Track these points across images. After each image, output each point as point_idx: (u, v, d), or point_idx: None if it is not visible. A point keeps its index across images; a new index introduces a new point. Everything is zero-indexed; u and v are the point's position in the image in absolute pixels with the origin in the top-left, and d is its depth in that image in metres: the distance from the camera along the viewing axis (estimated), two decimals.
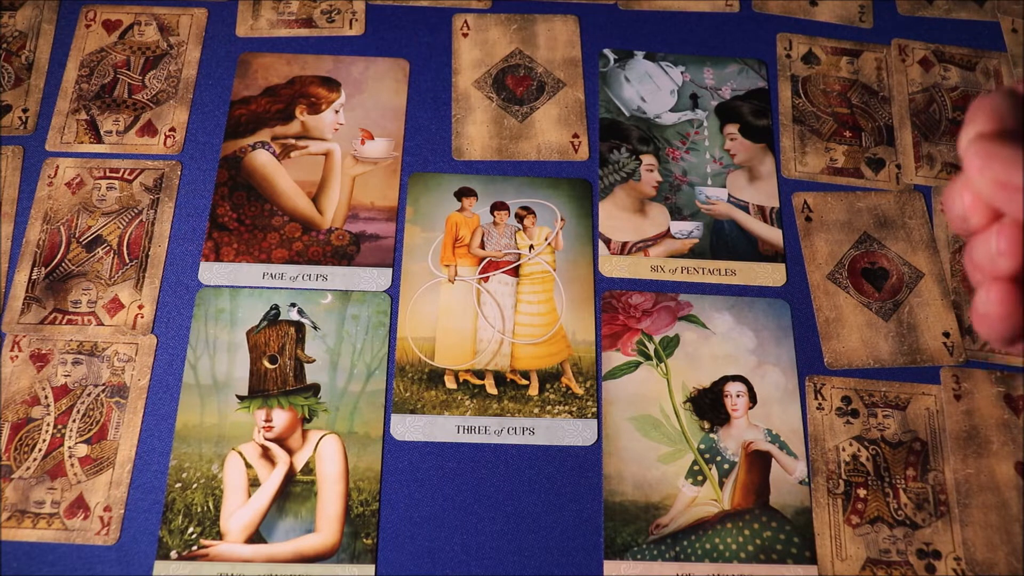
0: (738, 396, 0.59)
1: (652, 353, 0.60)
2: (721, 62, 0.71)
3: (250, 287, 0.60)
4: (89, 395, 0.57)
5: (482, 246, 0.63)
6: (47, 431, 0.56)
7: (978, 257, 0.31)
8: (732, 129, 0.68)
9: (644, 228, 0.64)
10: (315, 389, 0.58)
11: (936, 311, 0.62)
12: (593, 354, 0.60)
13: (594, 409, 0.58)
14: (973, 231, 0.31)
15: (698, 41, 0.72)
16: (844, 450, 0.57)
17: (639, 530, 0.54)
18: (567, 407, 0.58)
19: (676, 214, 0.65)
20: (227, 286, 0.60)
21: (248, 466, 0.55)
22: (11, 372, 0.57)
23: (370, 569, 0.53)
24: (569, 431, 0.57)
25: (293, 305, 0.60)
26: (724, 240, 0.64)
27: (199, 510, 0.54)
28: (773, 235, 0.64)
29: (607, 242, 0.63)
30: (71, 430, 0.56)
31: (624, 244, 0.63)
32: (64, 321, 0.59)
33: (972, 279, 0.32)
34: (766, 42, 0.72)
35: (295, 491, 0.55)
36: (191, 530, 0.53)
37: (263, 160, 0.65)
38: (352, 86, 0.68)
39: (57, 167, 0.64)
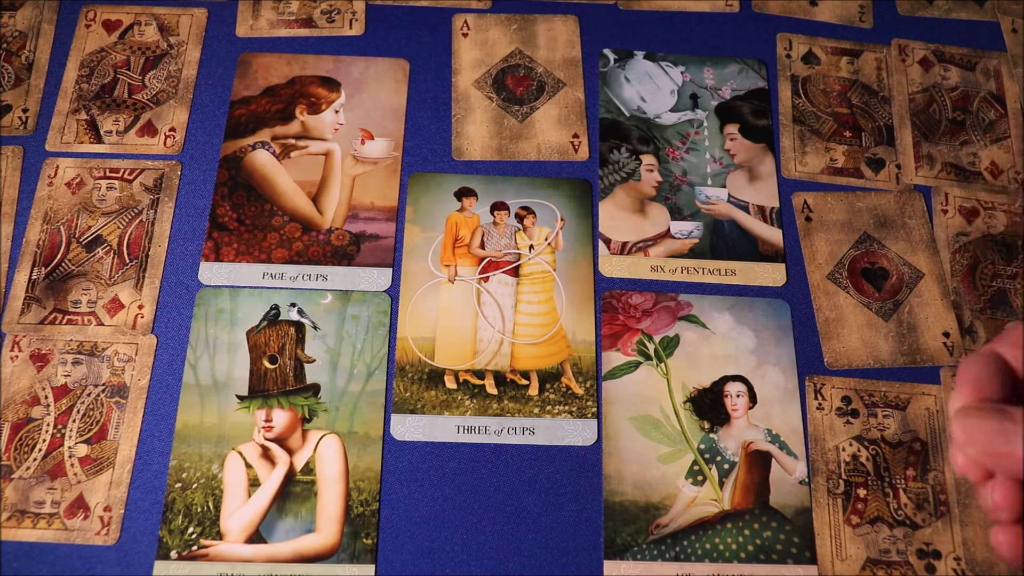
0: (738, 396, 0.59)
1: (652, 353, 0.60)
2: (721, 62, 0.71)
3: (250, 287, 0.60)
4: (89, 395, 0.57)
5: (482, 246, 0.63)
6: (47, 431, 0.56)
7: (983, 506, 0.35)
8: (732, 129, 0.68)
9: (644, 228, 0.64)
10: (315, 389, 0.58)
11: (936, 311, 0.62)
12: (593, 354, 0.60)
13: (594, 409, 0.58)
14: (975, 483, 0.35)
15: (698, 41, 0.72)
16: (844, 450, 0.57)
17: (639, 530, 0.54)
18: (567, 407, 0.58)
19: (676, 214, 0.65)
20: (227, 286, 0.60)
21: (248, 466, 0.55)
22: (11, 372, 0.57)
23: (370, 569, 0.53)
24: (569, 431, 0.57)
25: (293, 305, 0.60)
26: (724, 240, 0.64)
27: (199, 510, 0.54)
28: (773, 235, 0.64)
29: (607, 242, 0.63)
30: (71, 430, 0.56)
31: (624, 244, 0.63)
32: (64, 321, 0.59)
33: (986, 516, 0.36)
34: (766, 42, 0.72)
35: (295, 491, 0.55)
36: (191, 530, 0.53)
37: (263, 160, 0.65)
38: (352, 86, 0.68)
39: (57, 167, 0.64)
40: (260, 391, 0.57)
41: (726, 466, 0.57)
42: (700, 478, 0.56)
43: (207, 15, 0.70)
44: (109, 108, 0.66)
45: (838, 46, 0.72)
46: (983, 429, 0.33)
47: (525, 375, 0.59)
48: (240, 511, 0.54)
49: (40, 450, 0.55)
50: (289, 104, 0.67)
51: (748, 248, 0.64)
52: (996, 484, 0.34)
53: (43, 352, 0.58)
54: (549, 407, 0.58)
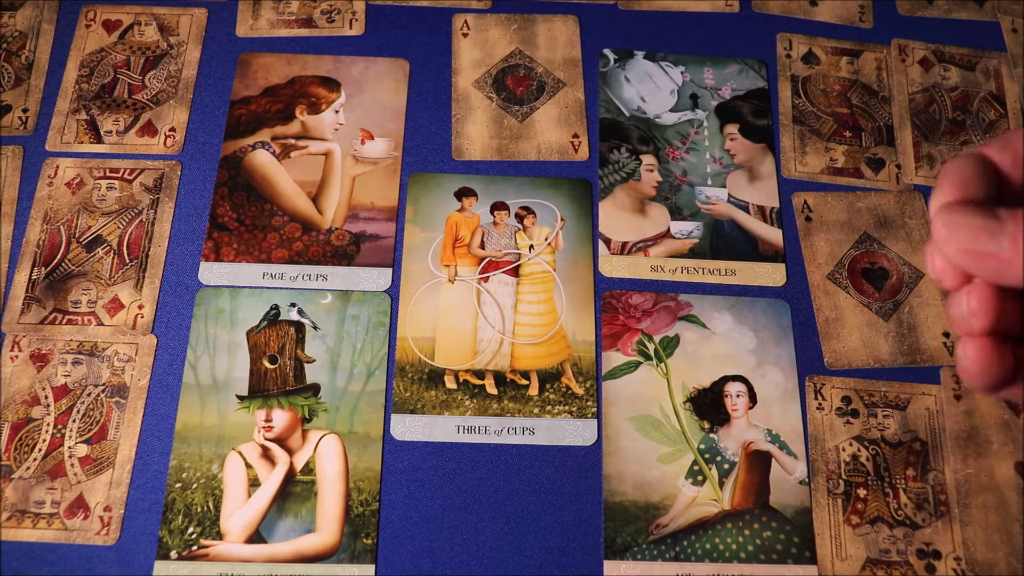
0: (738, 396, 0.59)
1: (652, 353, 0.60)
2: (721, 62, 0.71)
3: (250, 287, 0.60)
4: (89, 395, 0.57)
5: (482, 246, 0.63)
6: (47, 431, 0.56)
7: (954, 315, 0.32)
8: (732, 129, 0.68)
9: (644, 228, 0.64)
10: (315, 389, 0.58)
11: (936, 311, 0.62)
12: (593, 354, 0.60)
13: (594, 409, 0.58)
14: (948, 290, 0.33)
15: (698, 41, 0.72)
16: (844, 450, 0.57)
17: (639, 530, 0.54)
18: (567, 407, 0.58)
19: (676, 214, 0.65)
20: (227, 286, 0.60)
21: (248, 466, 0.55)
22: (11, 372, 0.57)
23: (370, 569, 0.53)
24: (569, 431, 0.57)
25: (293, 305, 0.60)
26: (724, 240, 0.64)
27: (199, 510, 0.54)
28: (773, 235, 0.64)
29: (607, 242, 0.63)
30: (71, 430, 0.56)
31: (624, 244, 0.63)
32: (64, 321, 0.59)
33: (953, 331, 0.34)
34: (766, 42, 0.72)
35: (295, 491, 0.55)
36: (191, 530, 0.53)
37: (263, 160, 0.65)
38: (352, 86, 0.68)
39: (57, 167, 0.64)
40: (260, 391, 0.57)
41: (726, 466, 0.57)
42: (700, 478, 0.56)
43: (207, 15, 0.70)
44: (109, 108, 0.66)
45: (838, 46, 0.72)
46: (967, 225, 0.30)
47: (525, 375, 0.59)
48: (240, 511, 0.54)
49: (40, 450, 0.55)
50: (289, 104, 0.67)
51: (748, 248, 0.64)
52: (972, 288, 0.32)
53: (43, 352, 0.58)
54: (549, 407, 0.58)
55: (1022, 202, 0.32)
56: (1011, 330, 0.32)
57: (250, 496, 0.54)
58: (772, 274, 0.63)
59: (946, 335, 0.61)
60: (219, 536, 0.53)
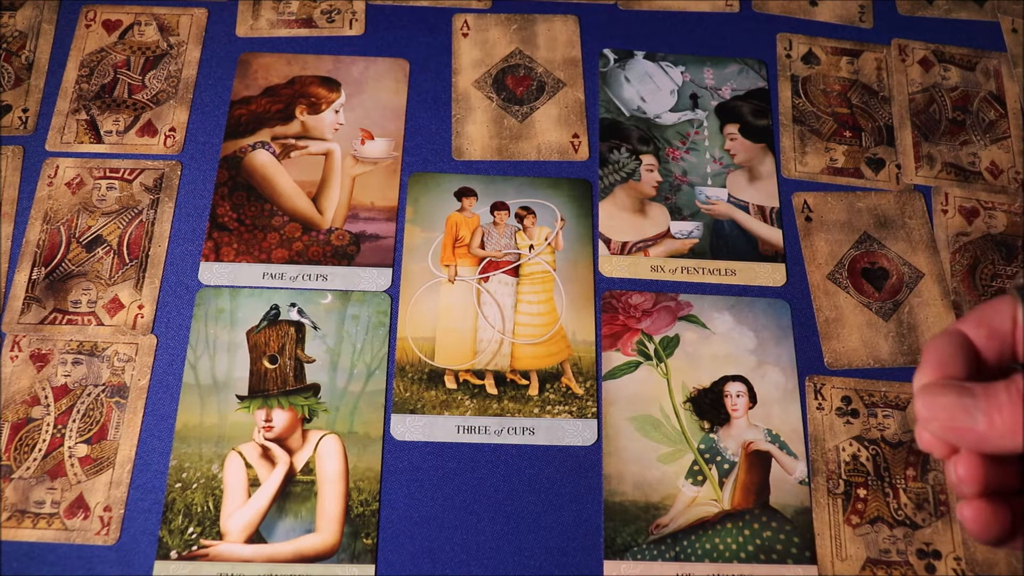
0: (738, 396, 0.59)
1: (652, 353, 0.60)
2: (721, 62, 0.71)
3: (250, 287, 0.60)
4: (89, 395, 0.57)
5: (482, 246, 0.63)
6: (47, 431, 0.56)
7: (948, 481, 0.36)
8: (732, 129, 0.68)
9: (644, 228, 0.64)
10: (315, 389, 0.58)
11: (936, 311, 0.62)
12: (593, 354, 0.60)
13: (594, 409, 0.58)
14: (940, 459, 0.37)
15: (698, 41, 0.72)
16: (844, 450, 0.57)
17: (639, 530, 0.54)
18: (567, 407, 0.58)
19: (676, 214, 0.65)
20: (227, 286, 0.60)
21: (248, 466, 0.55)
22: (11, 372, 0.57)
23: (370, 569, 0.53)
24: (569, 431, 0.57)
25: (293, 305, 0.60)
26: (724, 240, 0.64)
27: (199, 510, 0.54)
28: (773, 235, 0.64)
29: (607, 242, 0.63)
30: (71, 430, 0.56)
31: (624, 244, 0.63)
32: (64, 321, 0.59)
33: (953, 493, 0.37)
34: (766, 42, 0.72)
35: (295, 491, 0.55)
36: (191, 530, 0.53)
37: (263, 160, 0.65)
38: (352, 86, 0.68)
39: (57, 167, 0.64)
40: (260, 391, 0.57)
41: (726, 466, 0.57)
42: (700, 478, 0.56)
43: (207, 15, 0.70)
44: (109, 108, 0.66)
45: (838, 46, 0.72)
46: (944, 405, 0.33)
47: (525, 375, 0.59)
48: (240, 511, 0.54)
49: (40, 450, 0.55)
50: (289, 104, 0.67)
51: (748, 248, 0.64)
52: (959, 459, 0.34)
53: (43, 352, 0.58)
54: (549, 407, 0.58)
55: (997, 373, 0.35)
56: (1008, 488, 0.34)
57: (250, 496, 0.54)
58: (772, 274, 0.63)
59: None
60: (219, 536, 0.53)
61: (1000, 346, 0.36)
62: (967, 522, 0.35)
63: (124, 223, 0.62)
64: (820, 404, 0.59)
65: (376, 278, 0.61)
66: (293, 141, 0.66)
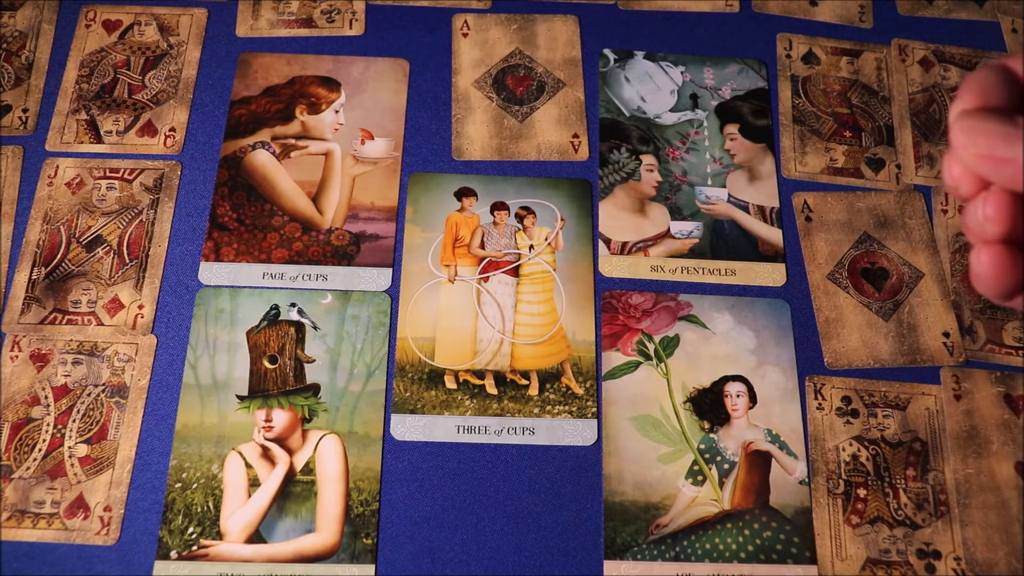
0: (738, 396, 0.59)
1: (652, 353, 0.60)
2: (721, 62, 0.71)
3: (250, 287, 0.60)
4: (89, 395, 0.57)
5: (482, 246, 0.63)
6: (47, 431, 0.56)
7: (970, 222, 0.33)
8: (732, 129, 0.68)
9: (644, 228, 0.64)
10: (315, 389, 0.58)
11: (936, 311, 0.62)
12: (593, 354, 0.60)
13: (594, 409, 0.58)
14: (965, 198, 0.33)
15: (698, 41, 0.72)
16: (844, 450, 0.57)
17: (639, 530, 0.54)
18: (567, 407, 0.58)
19: (676, 214, 0.65)
20: (227, 286, 0.60)
21: (248, 466, 0.55)
22: (11, 372, 0.57)
23: (370, 569, 0.53)
24: (569, 431, 0.57)
25: (293, 305, 0.60)
26: (724, 240, 0.64)
27: (199, 510, 0.54)
28: (773, 235, 0.64)
29: (607, 242, 0.63)
30: (71, 430, 0.56)
31: (624, 244, 0.63)
32: (64, 321, 0.59)
33: (969, 239, 0.34)
34: (766, 42, 0.72)
35: (295, 491, 0.55)
36: (191, 530, 0.53)
37: (263, 160, 0.65)
38: (352, 86, 0.68)
39: (57, 167, 0.64)
40: (260, 391, 0.57)
41: (726, 466, 0.57)
42: (700, 478, 0.56)
43: (207, 15, 0.70)
44: (109, 108, 0.66)
45: (838, 46, 0.72)
46: (986, 131, 0.31)
47: (525, 375, 0.59)
48: (240, 511, 0.54)
49: (40, 450, 0.55)
50: (289, 104, 0.67)
51: (748, 248, 0.64)
52: (989, 195, 0.32)
53: (43, 352, 0.58)
54: (549, 407, 0.58)
55: None
56: None
57: (250, 496, 0.54)
58: (772, 274, 0.63)
59: (946, 335, 0.61)
60: (219, 536, 0.53)
61: None
62: (984, 267, 0.32)
63: (124, 223, 0.62)
64: (820, 404, 0.59)
65: (376, 278, 0.61)
66: (293, 141, 0.66)
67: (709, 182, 0.66)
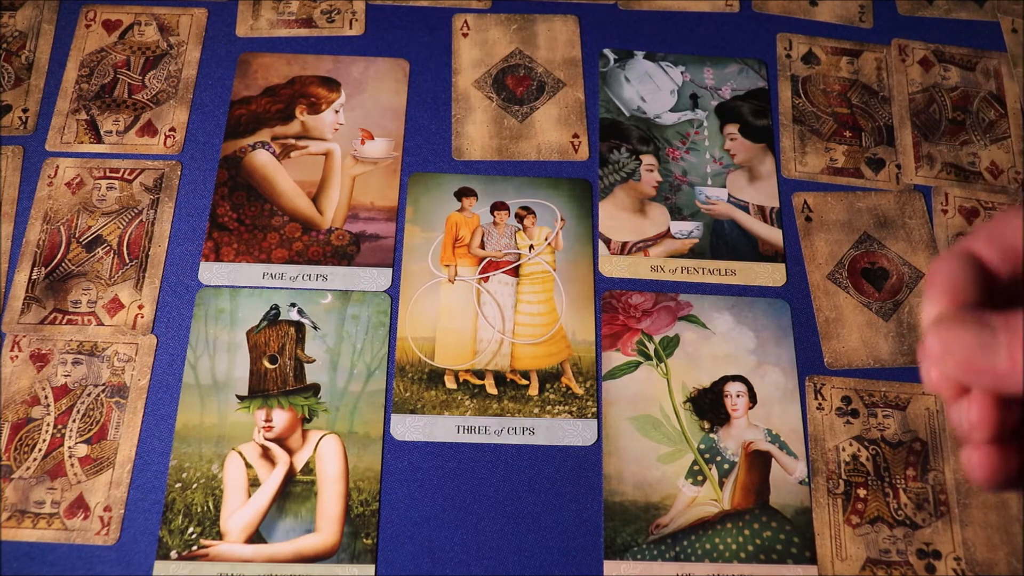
0: (738, 396, 0.59)
1: (652, 353, 0.60)
2: (721, 62, 0.71)
3: (250, 287, 0.60)
4: (89, 395, 0.57)
5: (482, 246, 0.63)
6: (47, 431, 0.56)
7: (955, 424, 0.32)
8: (732, 129, 0.68)
9: (644, 228, 0.64)
10: (315, 389, 0.58)
11: None
12: (593, 354, 0.60)
13: (594, 409, 0.58)
14: (947, 401, 0.33)
15: (698, 41, 0.72)
16: (844, 450, 0.57)
17: (639, 530, 0.54)
18: (567, 407, 0.58)
19: (676, 214, 0.65)
20: (227, 286, 0.60)
21: (248, 466, 0.55)
22: (11, 372, 0.57)
23: (370, 569, 0.53)
24: (569, 431, 0.57)
25: (293, 305, 0.60)
26: (724, 240, 0.64)
27: (199, 510, 0.54)
28: (773, 235, 0.64)
29: (607, 242, 0.63)
30: (71, 430, 0.56)
31: (624, 244, 0.63)
32: (64, 321, 0.59)
33: (958, 436, 0.33)
34: (766, 42, 0.72)
35: (295, 491, 0.55)
36: (191, 530, 0.53)
37: (263, 160, 0.65)
38: (352, 86, 0.68)
39: (57, 167, 0.64)
40: (260, 391, 0.57)
41: (726, 466, 0.57)
42: (700, 478, 0.56)
43: (207, 15, 0.70)
44: (109, 108, 0.66)
45: (838, 46, 0.72)
46: (962, 342, 0.30)
47: (525, 375, 0.59)
48: (240, 511, 0.54)
49: (40, 450, 0.55)
50: (289, 104, 0.67)
51: (748, 248, 0.64)
52: (972, 401, 0.31)
53: (43, 352, 0.58)
54: (549, 407, 0.58)
55: (1011, 290, 0.32)
56: (1014, 430, 0.32)
57: (250, 496, 0.54)
58: (772, 274, 0.63)
59: None
60: (219, 536, 0.53)
61: (1014, 264, 0.32)
62: (976, 469, 0.32)
63: (124, 223, 0.62)
64: (820, 404, 0.59)
65: (376, 278, 0.61)
66: (293, 141, 0.66)
67: (709, 182, 0.66)
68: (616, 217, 0.64)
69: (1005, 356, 0.29)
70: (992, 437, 0.31)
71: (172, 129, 0.66)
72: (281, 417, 0.57)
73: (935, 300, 0.32)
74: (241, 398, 0.57)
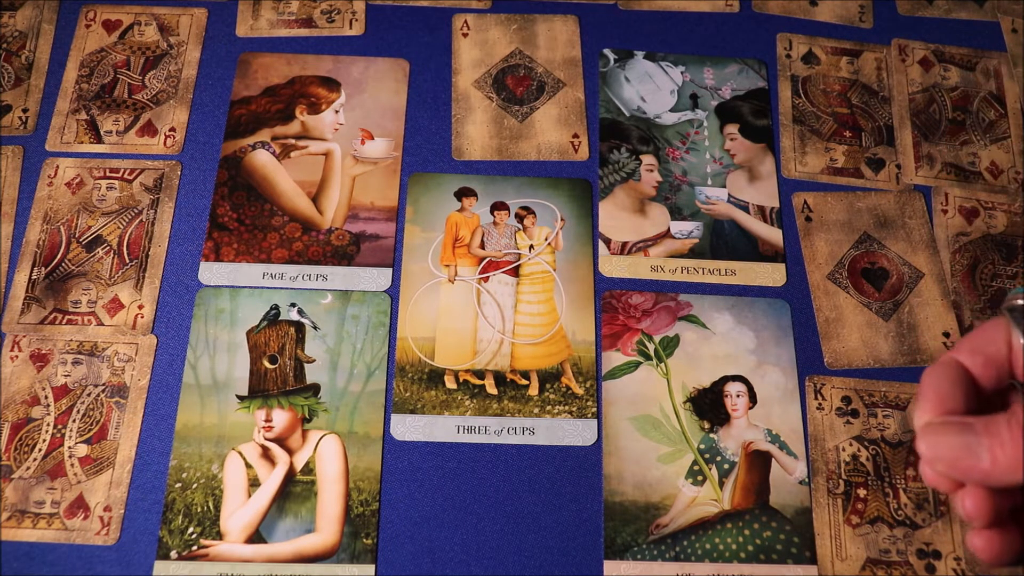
0: (738, 396, 0.59)
1: (652, 353, 0.60)
2: (721, 62, 0.71)
3: (250, 287, 0.60)
4: (89, 395, 0.57)
5: (482, 246, 0.63)
6: (47, 431, 0.56)
7: (957, 511, 0.36)
8: (732, 129, 0.68)
9: (644, 228, 0.64)
10: (315, 389, 0.58)
11: (936, 311, 0.62)
12: (593, 354, 0.60)
13: (594, 409, 0.58)
14: (945, 493, 0.38)
15: (698, 41, 0.72)
16: (844, 450, 0.57)
17: (639, 530, 0.54)
18: (567, 407, 0.58)
19: (676, 214, 0.65)
20: (227, 286, 0.60)
21: (248, 466, 0.55)
22: (11, 372, 0.57)
23: (370, 569, 0.53)
24: (569, 431, 0.57)
25: (293, 305, 0.60)
26: (724, 240, 0.64)
27: (199, 510, 0.54)
28: (773, 235, 0.64)
29: (607, 242, 0.63)
30: (71, 430, 0.56)
31: (624, 244, 0.63)
32: (64, 321, 0.59)
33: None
34: (766, 42, 0.72)
35: (295, 491, 0.55)
36: (191, 530, 0.53)
37: (263, 160, 0.65)
38: (352, 86, 0.68)
39: (57, 167, 0.64)
40: (260, 391, 0.57)
41: (726, 466, 0.57)
42: (700, 478, 0.56)
43: (207, 15, 0.70)
44: (109, 108, 0.66)
45: (838, 46, 0.72)
46: (948, 445, 0.34)
47: (525, 375, 0.59)
48: (240, 511, 0.54)
49: (40, 450, 0.55)
50: (289, 104, 0.67)
51: (748, 248, 0.64)
52: (966, 494, 0.35)
53: (43, 352, 0.58)
54: (549, 407, 0.58)
55: (996, 396, 0.36)
56: (1012, 513, 0.35)
57: (250, 496, 0.54)
58: (772, 274, 0.63)
59: (946, 335, 0.61)
60: (219, 536, 0.53)
61: (997, 372, 0.36)
62: (978, 552, 0.35)
63: (124, 223, 0.62)
64: (820, 404, 0.59)
65: (376, 278, 0.61)
66: (293, 141, 0.66)
67: (709, 182, 0.66)
68: (616, 217, 0.64)
69: (987, 456, 0.33)
70: (989, 523, 0.35)
71: (172, 129, 0.66)
72: (281, 417, 0.57)
73: (924, 409, 0.36)
74: (241, 398, 0.57)
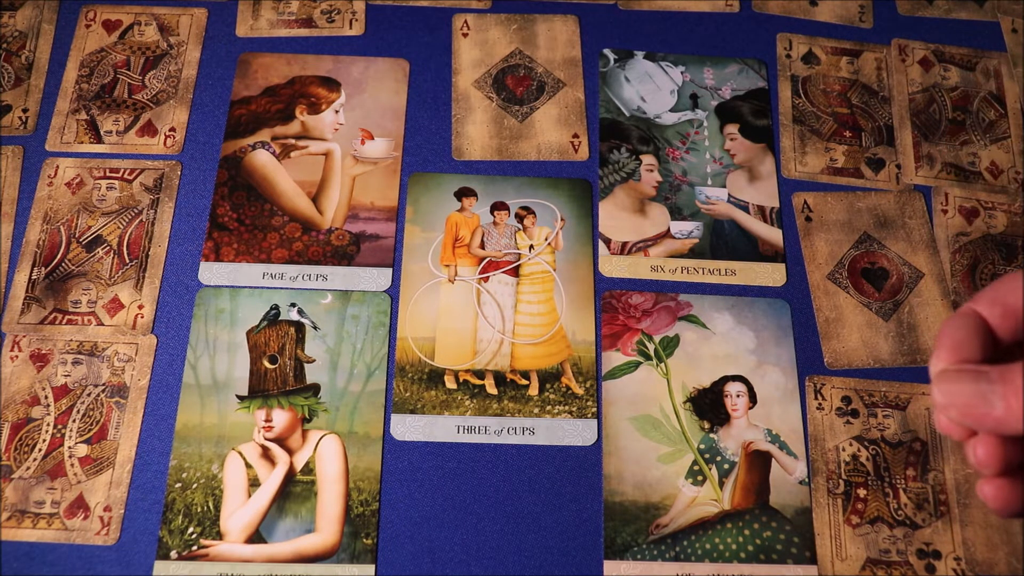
0: (738, 396, 0.59)
1: (652, 353, 0.60)
2: (721, 62, 0.71)
3: (250, 287, 0.60)
4: (89, 395, 0.57)
5: (482, 246, 0.63)
6: (47, 431, 0.56)
7: (969, 460, 0.37)
8: (732, 129, 0.68)
9: (644, 228, 0.64)
10: (315, 389, 0.58)
11: (936, 311, 0.62)
12: (593, 354, 0.60)
13: (594, 409, 0.58)
14: (958, 441, 0.37)
15: (698, 41, 0.72)
16: (844, 450, 0.57)
17: (639, 530, 0.54)
18: (567, 407, 0.58)
19: (676, 214, 0.65)
20: (227, 286, 0.60)
21: (248, 466, 0.55)
22: (11, 372, 0.57)
23: (370, 569, 0.53)
24: (569, 431, 0.57)
25: (293, 305, 0.60)
26: (724, 240, 0.64)
27: (199, 510, 0.54)
28: (773, 235, 0.64)
29: (607, 242, 0.63)
30: (71, 430, 0.56)
31: (624, 244, 0.63)
32: (64, 321, 0.59)
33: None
34: (766, 42, 0.72)
35: (295, 491, 0.55)
36: (191, 530, 0.53)
37: (263, 160, 0.65)
38: (352, 86, 0.68)
39: (57, 167, 0.64)
40: (260, 391, 0.57)
41: (726, 466, 0.57)
42: (700, 478, 0.56)
43: (207, 15, 0.70)
44: (109, 108, 0.66)
45: (838, 46, 0.72)
46: (962, 392, 0.34)
47: (525, 375, 0.59)
48: (240, 511, 0.54)
49: (40, 450, 0.55)
50: (289, 104, 0.67)
51: (748, 248, 0.64)
52: (978, 441, 0.35)
53: (43, 352, 0.58)
54: (549, 407, 0.58)
55: (1014, 348, 0.36)
56: (1022, 464, 0.35)
57: (250, 496, 0.54)
58: (772, 274, 0.63)
59: None
60: (219, 536, 0.53)
61: (1015, 323, 0.36)
62: (988, 500, 0.35)
63: (124, 223, 0.62)
64: (820, 404, 0.59)
65: (376, 278, 0.61)
66: (293, 141, 0.66)
67: (709, 182, 0.66)
68: (616, 217, 0.64)
69: (1000, 404, 0.33)
70: (1000, 471, 0.35)
71: (172, 129, 0.66)
72: (281, 417, 0.57)
73: (940, 356, 0.36)
74: (241, 398, 0.57)
